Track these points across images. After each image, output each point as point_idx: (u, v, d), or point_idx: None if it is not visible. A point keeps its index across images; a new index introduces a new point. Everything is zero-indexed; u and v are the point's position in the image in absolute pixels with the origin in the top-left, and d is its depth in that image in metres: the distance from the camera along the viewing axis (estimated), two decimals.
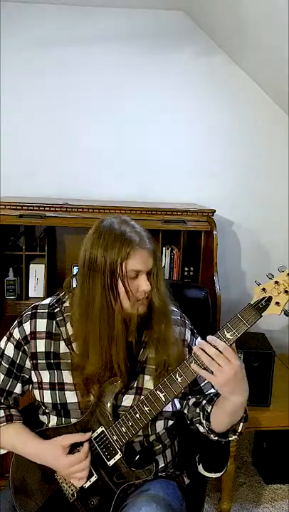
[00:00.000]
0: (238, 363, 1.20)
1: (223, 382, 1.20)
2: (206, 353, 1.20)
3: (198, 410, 1.42)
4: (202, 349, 1.21)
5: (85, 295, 1.30)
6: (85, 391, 1.36)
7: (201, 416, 1.40)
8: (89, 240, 1.31)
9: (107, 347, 1.29)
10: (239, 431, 1.36)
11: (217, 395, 1.36)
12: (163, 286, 1.37)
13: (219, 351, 1.19)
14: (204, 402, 1.40)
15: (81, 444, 1.34)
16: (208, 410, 1.37)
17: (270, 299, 1.20)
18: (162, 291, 1.36)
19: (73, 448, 1.35)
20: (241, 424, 1.35)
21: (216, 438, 1.37)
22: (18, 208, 2.41)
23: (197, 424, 1.43)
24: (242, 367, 1.22)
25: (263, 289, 1.21)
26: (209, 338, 1.22)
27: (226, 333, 1.22)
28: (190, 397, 1.44)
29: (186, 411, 1.46)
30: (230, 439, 1.37)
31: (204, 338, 1.25)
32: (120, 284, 1.27)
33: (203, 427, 1.40)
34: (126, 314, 1.30)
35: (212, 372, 1.21)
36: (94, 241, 1.29)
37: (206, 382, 1.42)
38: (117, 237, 1.27)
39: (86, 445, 1.33)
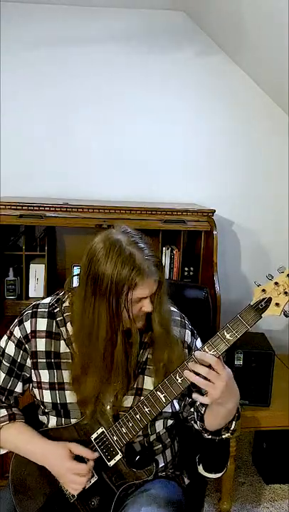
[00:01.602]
0: (227, 372, 1.21)
1: (217, 396, 1.21)
2: (196, 374, 1.21)
3: (192, 410, 1.43)
4: (193, 371, 1.21)
5: (89, 316, 1.27)
6: (83, 408, 1.36)
7: (195, 416, 1.41)
8: (94, 252, 1.26)
9: (108, 371, 1.29)
10: (232, 429, 1.36)
11: None
12: (165, 303, 1.36)
13: (208, 366, 1.20)
14: (198, 402, 1.40)
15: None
16: (202, 412, 1.38)
17: (269, 299, 1.20)
18: (164, 308, 1.35)
19: (77, 458, 1.35)
20: (234, 422, 1.36)
21: (210, 436, 1.39)
22: (18, 208, 2.41)
23: (192, 422, 1.44)
24: (230, 373, 1.23)
25: (263, 290, 1.21)
26: (197, 354, 1.23)
27: (225, 334, 1.22)
28: (187, 398, 1.45)
29: (182, 410, 1.46)
30: (223, 437, 1.38)
31: (204, 338, 1.25)
32: (124, 308, 1.25)
33: (197, 426, 1.42)
34: (126, 329, 1.30)
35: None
36: (101, 256, 1.24)
37: None
38: (125, 261, 1.22)
39: (91, 463, 1.33)
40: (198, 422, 1.40)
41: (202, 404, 1.38)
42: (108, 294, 1.23)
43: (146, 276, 1.23)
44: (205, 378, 1.20)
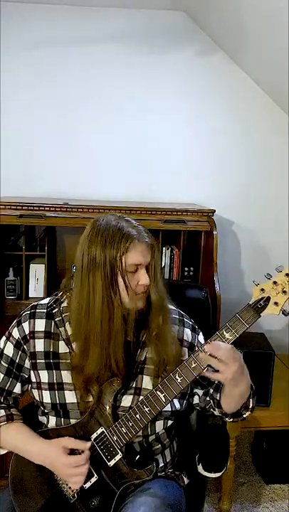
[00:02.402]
0: (237, 355, 1.23)
1: (231, 377, 1.22)
2: (212, 356, 1.22)
3: (208, 398, 1.44)
4: (209, 353, 1.22)
5: (85, 293, 1.29)
6: (85, 391, 1.36)
7: (212, 403, 1.43)
8: (86, 240, 1.30)
9: (106, 344, 1.29)
10: (251, 406, 1.39)
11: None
12: (160, 281, 1.36)
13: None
14: (212, 390, 1.42)
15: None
16: (218, 398, 1.39)
17: (268, 299, 1.20)
18: (160, 286, 1.36)
19: (73, 453, 1.35)
20: (251, 400, 1.38)
21: (231, 419, 1.41)
22: (18, 208, 2.41)
23: (212, 410, 1.46)
24: (241, 356, 1.25)
25: (262, 289, 1.21)
26: (213, 343, 1.24)
27: (225, 333, 1.23)
28: (196, 391, 1.46)
29: (197, 401, 1.47)
30: (244, 415, 1.40)
31: (204, 338, 1.25)
32: (120, 279, 1.27)
33: (217, 412, 1.43)
34: (125, 310, 1.30)
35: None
36: (91, 239, 1.28)
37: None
38: (115, 232, 1.26)
39: (87, 452, 1.33)
40: (216, 409, 1.41)
41: (216, 392, 1.40)
42: (102, 266, 1.25)
43: (136, 239, 1.27)
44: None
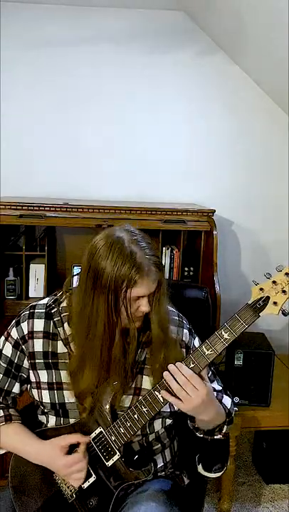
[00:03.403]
0: (205, 391, 1.22)
1: (190, 409, 1.23)
2: (175, 380, 1.23)
3: None
4: (172, 376, 1.23)
5: (87, 310, 1.27)
6: (80, 405, 1.36)
7: (186, 415, 1.41)
8: (95, 248, 1.26)
9: (105, 368, 1.29)
10: (224, 431, 1.39)
11: None
12: (164, 304, 1.35)
13: (187, 379, 1.22)
14: None
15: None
16: None
17: (267, 298, 1.20)
18: (162, 315, 1.34)
19: (72, 449, 1.35)
20: (225, 426, 1.38)
21: (202, 436, 1.41)
22: (18, 208, 2.41)
23: (188, 421, 1.46)
24: (210, 391, 1.24)
25: (261, 289, 1.21)
26: (178, 364, 1.24)
27: (223, 333, 1.22)
28: None
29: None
30: (215, 437, 1.40)
31: (204, 338, 1.25)
32: (122, 305, 1.25)
33: (190, 425, 1.44)
34: (124, 329, 1.30)
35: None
36: (102, 252, 1.24)
37: None
38: (126, 258, 1.22)
39: (83, 446, 1.33)
40: (188, 422, 1.42)
41: None
42: (107, 289, 1.23)
43: (145, 274, 1.23)
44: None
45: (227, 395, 1.45)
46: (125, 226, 1.32)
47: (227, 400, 1.43)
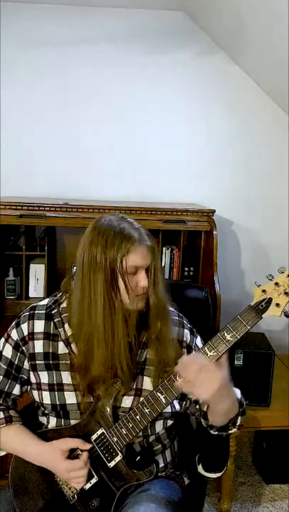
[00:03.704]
0: (221, 375, 1.20)
1: (209, 395, 1.20)
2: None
3: (197, 407, 1.43)
4: (186, 366, 1.22)
5: (86, 294, 1.28)
6: (89, 392, 1.35)
7: (200, 413, 1.41)
8: (87, 239, 1.29)
9: (111, 344, 1.29)
10: (238, 424, 1.37)
11: None
12: (161, 284, 1.36)
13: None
14: (201, 400, 1.40)
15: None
16: (204, 409, 1.38)
17: (270, 300, 1.20)
18: (160, 289, 1.35)
19: (73, 451, 1.35)
20: (240, 417, 1.36)
21: (216, 432, 1.38)
22: (18, 208, 2.41)
23: (201, 419, 1.44)
24: (226, 377, 1.22)
25: (263, 291, 1.21)
26: (191, 355, 1.25)
27: (226, 334, 1.22)
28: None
29: (188, 405, 1.46)
30: (230, 431, 1.38)
31: (204, 338, 1.25)
32: (120, 280, 1.27)
33: (203, 423, 1.41)
34: (125, 311, 1.30)
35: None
36: (93, 239, 1.28)
37: None
38: (116, 234, 1.26)
39: (85, 454, 1.33)
40: (202, 419, 1.40)
41: (204, 403, 1.38)
42: (103, 266, 1.25)
43: (137, 242, 1.26)
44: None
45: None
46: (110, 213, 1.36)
47: (236, 390, 1.41)
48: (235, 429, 1.38)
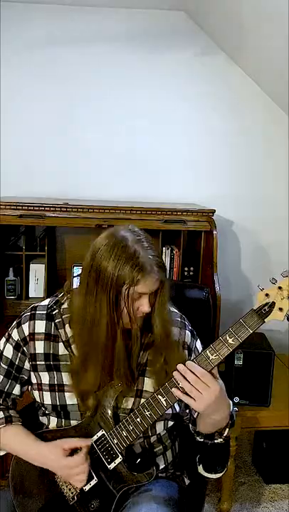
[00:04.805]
0: (217, 387, 1.21)
1: (203, 407, 1.21)
2: (185, 379, 1.21)
3: (187, 411, 1.43)
4: (182, 375, 1.22)
5: (90, 310, 1.27)
6: (83, 399, 1.36)
7: (190, 418, 1.42)
8: (98, 247, 1.26)
9: (107, 366, 1.29)
10: (225, 435, 1.36)
11: None
12: (166, 313, 1.35)
13: (198, 377, 1.21)
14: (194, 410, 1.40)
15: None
16: (194, 416, 1.39)
17: (273, 304, 1.18)
18: (165, 317, 1.34)
19: (74, 452, 1.34)
20: (227, 429, 1.36)
21: (202, 440, 1.39)
22: (18, 208, 2.40)
23: (188, 423, 1.45)
24: (221, 389, 1.23)
25: (266, 295, 1.19)
26: (188, 363, 1.23)
27: (228, 338, 1.21)
28: None
29: (178, 409, 1.46)
30: (215, 441, 1.38)
31: (204, 338, 1.25)
32: (123, 304, 1.25)
33: (191, 428, 1.43)
34: (125, 329, 1.30)
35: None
36: (105, 251, 1.24)
37: None
38: (129, 257, 1.22)
39: (85, 449, 1.33)
40: (190, 425, 1.42)
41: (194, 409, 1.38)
42: (109, 288, 1.23)
43: (147, 273, 1.23)
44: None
45: None
46: (129, 226, 1.32)
47: (230, 402, 1.43)
48: (221, 440, 1.37)
